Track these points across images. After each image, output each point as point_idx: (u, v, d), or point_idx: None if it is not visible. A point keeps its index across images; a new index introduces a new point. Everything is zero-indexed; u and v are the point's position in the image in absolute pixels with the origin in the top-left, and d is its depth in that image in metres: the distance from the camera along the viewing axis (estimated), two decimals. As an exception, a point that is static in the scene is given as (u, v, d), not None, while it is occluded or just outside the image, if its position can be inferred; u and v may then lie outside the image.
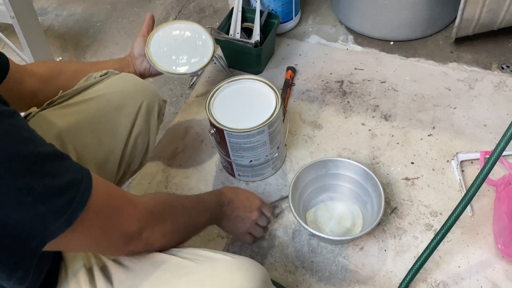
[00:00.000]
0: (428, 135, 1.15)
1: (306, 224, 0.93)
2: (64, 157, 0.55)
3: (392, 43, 1.40)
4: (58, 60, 0.96)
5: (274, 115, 0.97)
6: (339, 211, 1.03)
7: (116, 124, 0.88)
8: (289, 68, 1.33)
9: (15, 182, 0.48)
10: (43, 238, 0.51)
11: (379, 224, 0.98)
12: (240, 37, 1.31)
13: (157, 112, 0.95)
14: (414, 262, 0.85)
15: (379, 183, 0.94)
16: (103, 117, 0.86)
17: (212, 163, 1.16)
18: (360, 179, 0.99)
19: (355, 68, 1.33)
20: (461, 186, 1.03)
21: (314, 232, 0.91)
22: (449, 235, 0.91)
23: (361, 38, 1.43)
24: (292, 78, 1.32)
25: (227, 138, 0.98)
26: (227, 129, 0.96)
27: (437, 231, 0.81)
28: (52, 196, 0.50)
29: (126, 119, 0.89)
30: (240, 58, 1.33)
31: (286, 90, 1.28)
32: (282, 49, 1.42)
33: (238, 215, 0.87)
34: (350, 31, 1.45)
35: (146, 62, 1.05)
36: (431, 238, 0.82)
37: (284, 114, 1.23)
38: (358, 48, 1.40)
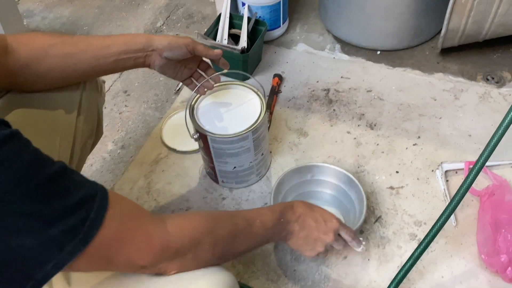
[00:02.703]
0: (413, 145, 1.15)
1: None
2: (74, 173, 0.52)
3: (379, 52, 1.40)
4: (51, 35, 0.77)
5: (259, 121, 0.96)
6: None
7: (55, 103, 0.79)
8: (276, 75, 1.33)
9: (22, 208, 0.46)
10: (59, 261, 0.49)
11: (361, 231, 0.97)
12: (227, 43, 1.30)
13: (97, 86, 0.88)
14: (397, 271, 0.84)
15: (362, 189, 0.93)
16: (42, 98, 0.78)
17: (196, 169, 1.14)
18: (344, 186, 0.98)
19: (342, 77, 1.33)
20: (446, 195, 1.03)
21: None
22: (433, 244, 0.91)
23: (348, 47, 1.43)
24: (279, 85, 1.31)
25: (210, 144, 0.97)
26: (210, 134, 0.95)
27: (421, 241, 0.80)
28: (63, 217, 0.48)
29: (64, 95, 0.80)
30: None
31: (272, 97, 1.27)
32: (270, 56, 1.41)
33: (309, 236, 0.76)
34: (337, 39, 1.45)
35: (166, 66, 0.85)
36: (415, 247, 0.81)
37: (269, 121, 1.22)
38: (345, 57, 1.40)
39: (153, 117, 1.42)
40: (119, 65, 0.79)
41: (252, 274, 0.94)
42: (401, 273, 0.83)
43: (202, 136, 0.97)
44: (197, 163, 1.15)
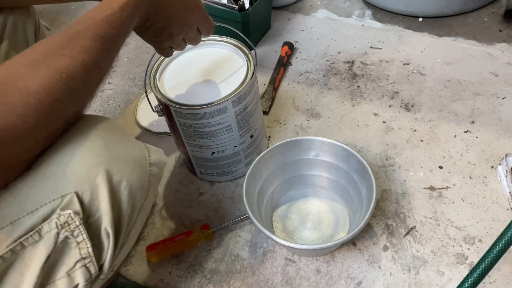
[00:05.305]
0: (465, 132, 0.84)
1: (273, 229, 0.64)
2: None
3: (421, 19, 1.10)
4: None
5: (242, 87, 0.69)
6: (317, 213, 0.73)
7: None
8: (286, 43, 1.05)
9: None
10: None
11: (387, 247, 0.68)
12: (227, 2, 1.04)
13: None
14: (434, 313, 0.56)
15: (374, 183, 0.64)
16: None
17: (172, 157, 0.89)
18: (356, 177, 0.69)
19: (371, 47, 1.04)
20: None
21: (270, 235, 0.62)
22: (492, 273, 0.61)
23: (382, 14, 1.14)
24: (289, 56, 1.04)
25: (175, 119, 0.71)
26: (173, 104, 0.69)
27: (474, 266, 0.55)
28: None
29: None
30: (224, 30, 1.06)
31: (279, 69, 1.00)
32: (281, 24, 1.15)
33: (166, 27, 0.60)
34: (368, 5, 1.16)
35: None
36: (465, 275, 0.56)
37: (272, 98, 0.95)
38: (377, 24, 1.11)
39: (137, 96, 1.19)
40: None
41: (225, 300, 0.67)
42: (441, 316, 0.55)
43: (165, 108, 0.71)
44: (175, 149, 0.89)
